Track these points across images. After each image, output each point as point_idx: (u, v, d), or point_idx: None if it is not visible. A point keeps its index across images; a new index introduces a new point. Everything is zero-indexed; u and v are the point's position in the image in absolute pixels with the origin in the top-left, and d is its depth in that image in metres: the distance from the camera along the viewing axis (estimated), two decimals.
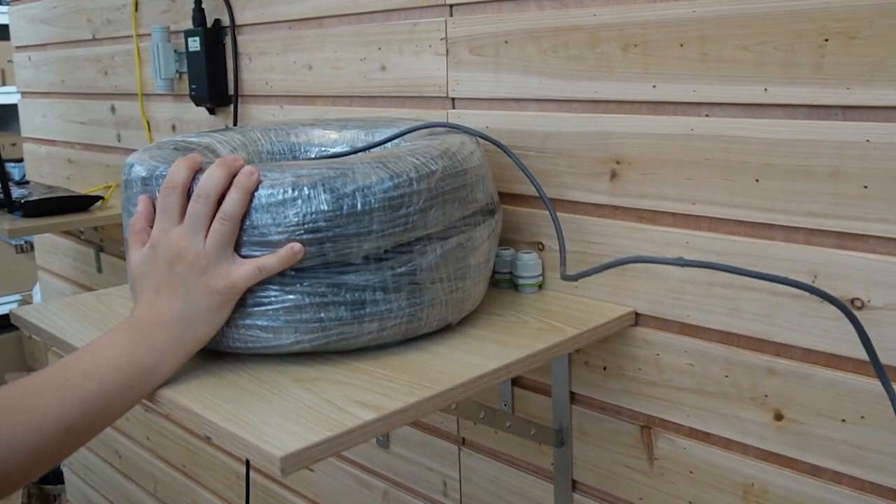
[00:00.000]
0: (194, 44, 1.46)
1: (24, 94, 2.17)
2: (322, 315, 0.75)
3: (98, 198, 1.71)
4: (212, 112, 1.53)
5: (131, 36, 1.70)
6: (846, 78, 0.72)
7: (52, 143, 2.08)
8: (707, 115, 0.82)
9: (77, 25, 1.88)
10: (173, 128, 1.64)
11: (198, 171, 0.75)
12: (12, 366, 3.29)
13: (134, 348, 0.72)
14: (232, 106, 1.46)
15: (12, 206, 1.59)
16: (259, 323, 0.75)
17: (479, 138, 0.92)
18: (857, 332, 0.65)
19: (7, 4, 2.17)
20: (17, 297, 3.37)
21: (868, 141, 0.72)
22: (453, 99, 1.07)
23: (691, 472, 0.90)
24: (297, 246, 0.73)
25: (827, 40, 0.73)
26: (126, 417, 1.97)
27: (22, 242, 3.29)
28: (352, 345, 0.78)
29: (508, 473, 1.10)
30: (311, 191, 0.73)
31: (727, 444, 0.87)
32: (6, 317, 3.53)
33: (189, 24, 1.49)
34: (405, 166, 0.77)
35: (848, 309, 0.66)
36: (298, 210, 0.73)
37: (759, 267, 0.80)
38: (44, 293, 2.34)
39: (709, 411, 0.87)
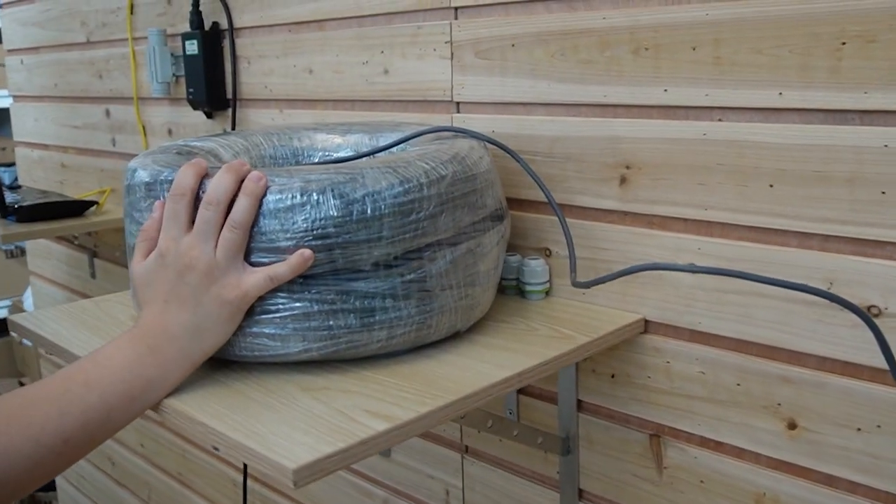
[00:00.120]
0: (192, 47, 1.45)
1: (16, 97, 2.15)
2: (331, 323, 0.74)
3: (93, 203, 1.69)
4: (209, 116, 1.51)
5: (126, 39, 1.68)
6: (864, 82, 0.71)
7: (45, 147, 2.05)
8: (720, 120, 0.81)
9: (70, 28, 1.86)
10: (169, 132, 1.63)
11: (204, 177, 0.74)
12: (3, 371, 3.26)
13: (139, 360, 0.71)
14: (230, 110, 1.45)
15: (6, 211, 1.57)
16: (266, 331, 0.74)
17: (486, 143, 0.90)
18: (877, 340, 0.64)
19: None
20: (8, 302, 3.34)
21: (886, 146, 0.71)
22: (458, 103, 1.06)
23: (702, 482, 0.89)
24: (307, 252, 0.71)
25: (844, 44, 0.72)
26: None
27: (12, 247, 3.26)
28: (360, 353, 0.76)
29: (513, 482, 1.08)
30: (320, 196, 0.72)
31: (739, 453, 0.86)
32: None
33: (185, 27, 1.48)
34: (415, 171, 0.76)
35: (867, 316, 0.65)
36: (307, 216, 0.71)
37: (772, 274, 0.79)
38: (36, 299, 2.32)
39: (720, 420, 0.86)
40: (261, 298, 0.73)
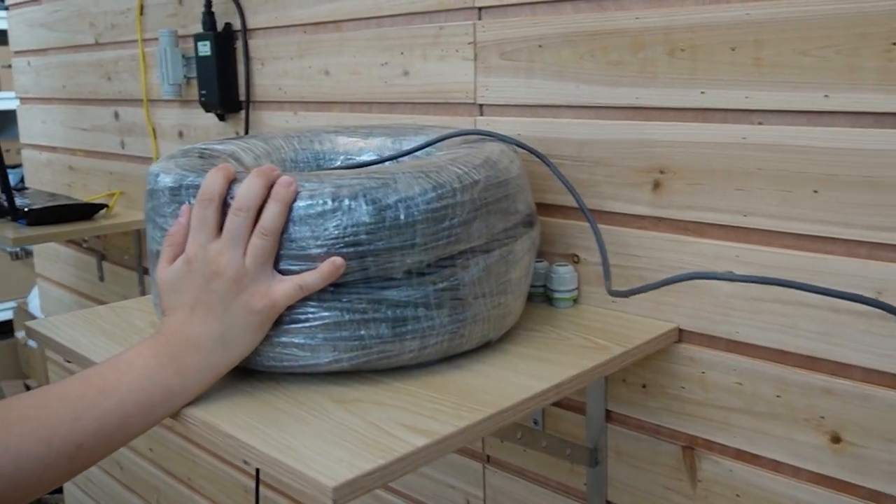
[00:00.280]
0: (204, 48, 1.42)
1: (23, 99, 2.13)
2: (362, 332, 0.71)
3: (103, 206, 1.67)
4: (221, 118, 1.49)
5: (136, 40, 1.66)
6: None
7: (53, 149, 2.03)
8: (760, 123, 0.79)
9: (79, 30, 1.83)
10: (180, 134, 1.60)
11: (232, 182, 0.71)
12: (8, 373, 3.23)
13: (160, 369, 0.68)
14: (243, 112, 1.42)
15: (16, 215, 1.54)
16: (296, 341, 0.71)
17: (515, 147, 0.88)
18: None
19: (5, 9, 2.12)
20: (13, 304, 3.32)
21: None
22: (481, 105, 1.04)
23: (738, 496, 0.86)
24: (338, 261, 0.69)
25: (895, 44, 0.69)
26: None
27: (17, 249, 3.23)
28: (392, 363, 0.74)
29: (537, 493, 1.06)
30: (352, 202, 0.69)
31: (777, 466, 0.83)
32: (3, 324, 3.47)
33: (196, 28, 1.45)
34: (448, 176, 0.73)
35: None
36: (339, 222, 0.69)
37: (816, 283, 0.76)
38: (43, 302, 2.29)
39: (758, 432, 0.84)
40: (289, 307, 0.71)
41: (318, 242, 0.69)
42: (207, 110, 1.47)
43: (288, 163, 0.97)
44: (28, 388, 3.11)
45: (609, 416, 0.97)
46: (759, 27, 0.77)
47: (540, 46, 0.95)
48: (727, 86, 0.80)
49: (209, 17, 1.41)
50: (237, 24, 1.39)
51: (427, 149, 0.92)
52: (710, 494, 0.89)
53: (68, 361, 0.83)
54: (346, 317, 0.71)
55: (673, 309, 0.88)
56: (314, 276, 0.69)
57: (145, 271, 1.79)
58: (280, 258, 0.70)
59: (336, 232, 0.69)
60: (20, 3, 2.03)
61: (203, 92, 1.45)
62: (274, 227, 0.68)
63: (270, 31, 1.34)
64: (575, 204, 0.93)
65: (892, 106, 0.70)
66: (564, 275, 0.94)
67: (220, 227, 0.70)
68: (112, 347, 0.84)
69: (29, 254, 2.97)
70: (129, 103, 1.73)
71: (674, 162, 0.85)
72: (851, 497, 0.78)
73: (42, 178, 2.10)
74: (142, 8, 1.63)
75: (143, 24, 1.64)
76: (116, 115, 1.78)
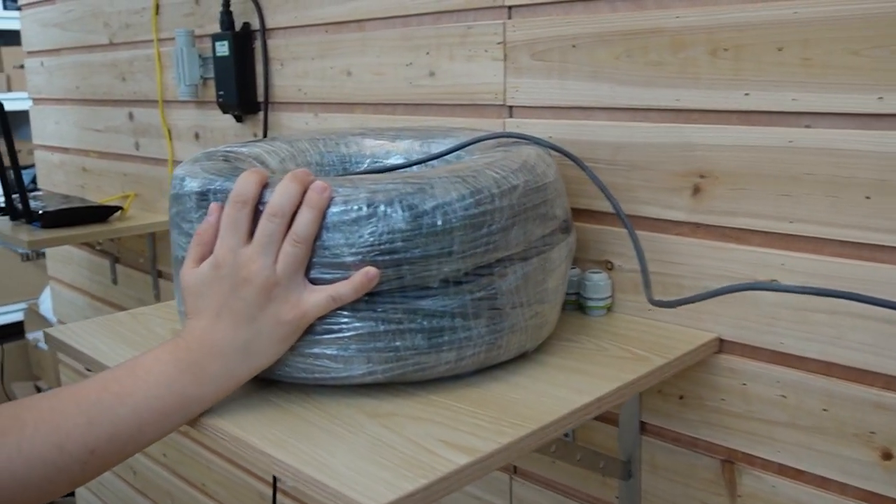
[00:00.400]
0: (222, 48, 1.40)
1: (35, 100, 2.10)
2: (398, 343, 0.68)
3: (117, 208, 1.64)
4: (239, 120, 1.46)
5: (151, 40, 1.63)
6: None
7: (66, 150, 2.01)
8: (808, 126, 0.76)
9: (93, 30, 1.81)
10: (196, 136, 1.58)
11: (264, 186, 0.68)
12: (19, 375, 3.21)
13: (179, 376, 0.66)
14: (261, 113, 1.40)
15: (31, 217, 1.52)
16: (328, 352, 0.68)
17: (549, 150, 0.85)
18: None
19: (18, 9, 2.10)
20: (24, 305, 3.30)
21: None
22: (511, 107, 1.01)
23: None
24: (372, 271, 0.66)
25: None
26: None
27: (29, 250, 3.21)
28: (427, 375, 0.71)
29: None
30: (388, 208, 0.66)
31: (823, 482, 0.80)
32: (13, 325, 3.45)
33: (213, 28, 1.43)
34: (486, 181, 0.70)
35: None
36: (374, 229, 0.66)
37: (866, 292, 0.73)
38: (56, 304, 2.27)
39: (803, 447, 0.81)
40: (322, 317, 0.68)
41: (353, 250, 0.66)
42: (225, 111, 1.45)
43: (313, 166, 0.94)
44: (39, 389, 3.09)
45: (643, 427, 0.94)
46: (807, 26, 0.74)
47: (573, 46, 0.92)
48: (773, 87, 0.77)
49: (227, 17, 1.39)
50: (256, 24, 1.36)
51: (457, 152, 0.89)
52: None
53: (88, 370, 0.81)
54: (381, 327, 0.68)
55: (713, 318, 0.85)
56: (346, 288, 0.66)
57: (160, 275, 1.77)
58: (312, 266, 0.67)
59: (371, 239, 0.66)
60: (33, 3, 2.00)
61: (221, 93, 1.42)
62: (307, 235, 0.66)
63: (290, 30, 1.31)
64: (608, 209, 0.90)
65: None
66: (598, 282, 0.91)
67: (251, 232, 0.67)
68: (133, 356, 0.81)
69: (40, 255, 2.94)
70: (143, 104, 1.71)
71: (715, 166, 0.82)
72: None
73: (54, 179, 2.08)
74: (157, 7, 1.60)
75: (159, 24, 1.61)
76: (131, 116, 1.75)
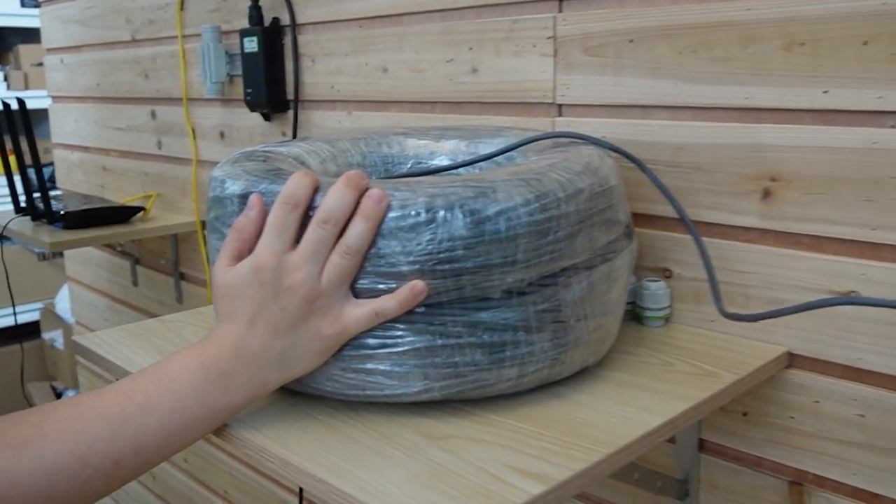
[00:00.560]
0: (251, 44, 1.35)
1: (55, 98, 2.06)
2: (457, 359, 0.63)
3: (139, 209, 1.60)
4: (267, 118, 1.41)
5: (174, 37, 1.59)
6: None
7: (86, 149, 1.97)
8: (894, 127, 0.70)
9: (114, 26, 1.77)
10: (221, 135, 1.53)
11: (316, 189, 0.63)
12: (35, 375, 3.17)
13: (206, 385, 0.62)
14: (290, 112, 1.35)
15: (52, 218, 1.47)
16: (381, 367, 0.63)
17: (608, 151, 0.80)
18: None
19: (37, 6, 2.06)
20: (40, 305, 3.26)
21: None
22: (560, 105, 0.96)
23: None
24: (419, 285, 0.61)
25: None
26: None
27: (45, 249, 3.18)
28: (486, 393, 0.66)
29: None
30: (448, 213, 0.61)
31: None
32: (30, 325, 3.41)
33: (240, 24, 1.38)
34: (551, 185, 0.65)
35: None
36: (433, 236, 0.61)
37: None
38: (74, 305, 2.23)
39: (881, 470, 0.75)
40: (375, 331, 0.63)
41: (410, 259, 0.61)
42: (253, 109, 1.40)
43: (354, 167, 0.89)
44: (54, 389, 3.05)
45: (702, 445, 0.88)
46: None
47: (631, 41, 0.87)
48: (856, 84, 0.72)
49: (256, 12, 1.34)
50: (285, 19, 1.32)
51: (507, 154, 0.84)
52: None
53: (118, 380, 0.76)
54: (439, 342, 0.63)
55: (783, 331, 0.80)
56: (391, 302, 0.61)
57: (182, 277, 1.72)
58: (365, 274, 0.62)
59: (430, 247, 0.61)
60: (53, 0, 1.97)
61: (249, 90, 1.37)
62: (359, 248, 0.61)
63: (322, 25, 1.27)
64: (666, 213, 0.85)
65: None
66: (657, 291, 0.86)
67: (298, 237, 0.63)
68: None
69: (56, 254, 2.90)
70: (166, 102, 1.66)
71: (788, 168, 0.77)
72: None
73: (73, 178, 2.04)
74: (182, 3, 1.56)
75: (183, 20, 1.57)
76: (153, 115, 1.71)
